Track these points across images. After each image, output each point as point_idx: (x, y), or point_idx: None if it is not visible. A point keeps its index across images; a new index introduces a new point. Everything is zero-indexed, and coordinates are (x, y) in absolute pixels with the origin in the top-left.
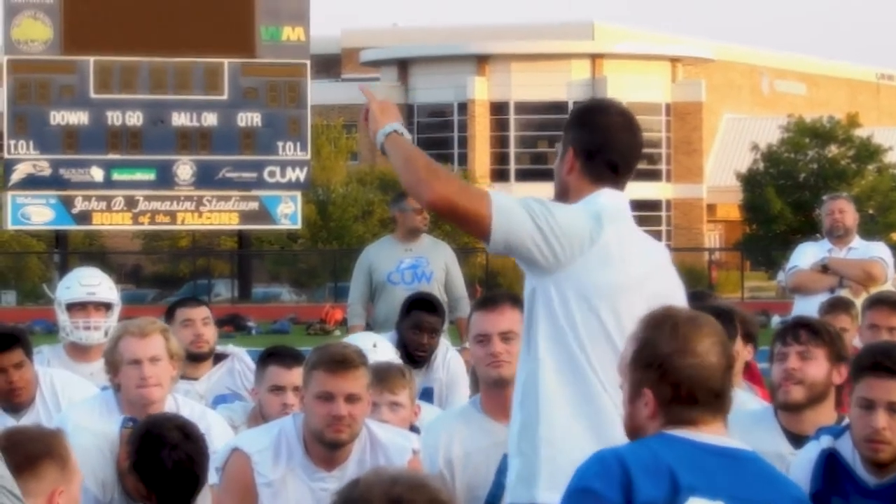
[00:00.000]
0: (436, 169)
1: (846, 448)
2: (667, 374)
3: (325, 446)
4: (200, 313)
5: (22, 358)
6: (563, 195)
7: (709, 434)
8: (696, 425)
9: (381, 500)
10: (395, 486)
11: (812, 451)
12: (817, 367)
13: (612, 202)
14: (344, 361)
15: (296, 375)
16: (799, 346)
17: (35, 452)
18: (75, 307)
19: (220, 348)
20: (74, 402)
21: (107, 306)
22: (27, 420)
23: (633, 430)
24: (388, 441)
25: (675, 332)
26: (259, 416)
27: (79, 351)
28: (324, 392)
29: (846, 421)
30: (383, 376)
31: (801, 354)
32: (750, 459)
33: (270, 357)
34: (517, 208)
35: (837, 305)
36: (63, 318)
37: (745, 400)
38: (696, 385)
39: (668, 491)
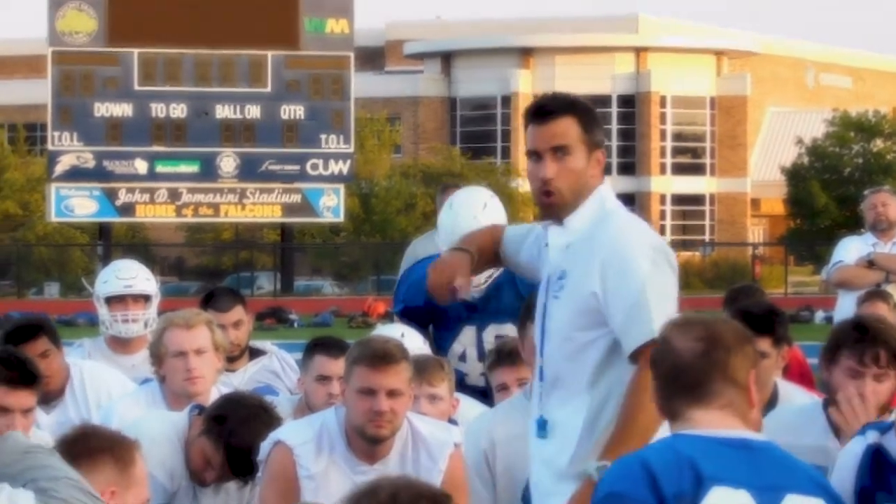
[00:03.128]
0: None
1: (893, 443)
2: (654, 366)
3: (367, 441)
4: (231, 317)
5: (47, 347)
6: (580, 195)
7: (714, 427)
8: (689, 421)
9: None
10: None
11: (857, 446)
12: (888, 387)
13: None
14: (385, 356)
15: (342, 365)
16: (878, 369)
17: (97, 446)
18: (113, 300)
19: (257, 344)
20: (111, 396)
21: (145, 298)
22: (57, 412)
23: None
24: (430, 435)
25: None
26: (305, 408)
27: (120, 343)
28: (365, 387)
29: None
30: (422, 369)
31: (878, 378)
32: (764, 448)
33: (317, 347)
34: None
35: (876, 295)
36: (102, 311)
37: (791, 392)
38: (663, 373)
39: (692, 482)
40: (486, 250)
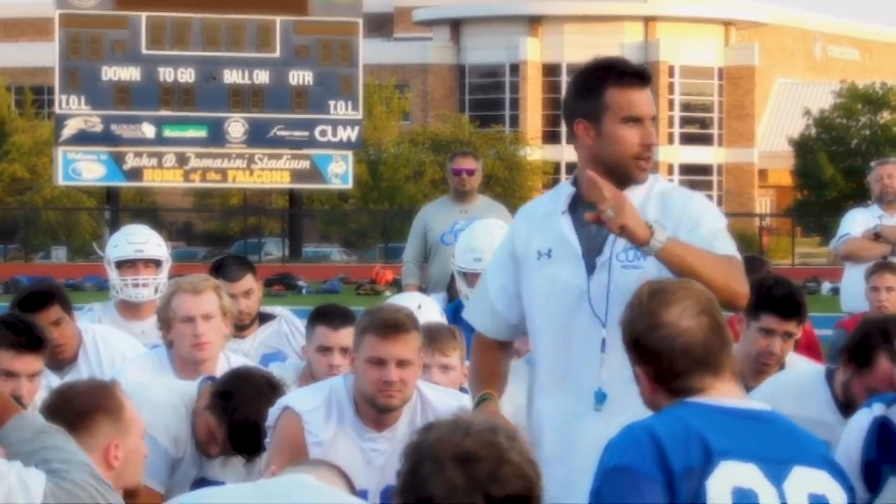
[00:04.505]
0: (726, 270)
1: None
2: (644, 351)
3: (377, 409)
4: (241, 287)
5: (60, 314)
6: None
7: (724, 397)
8: (702, 391)
9: (449, 453)
10: (466, 441)
11: (864, 418)
12: None
13: None
14: (396, 326)
15: (343, 336)
16: None
17: (86, 407)
18: (124, 265)
19: (267, 309)
20: (125, 358)
21: (156, 263)
22: (71, 377)
23: (650, 406)
24: (439, 402)
25: (641, 309)
26: (309, 376)
27: (129, 308)
28: (375, 357)
29: None
30: (434, 337)
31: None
32: (770, 419)
33: (318, 317)
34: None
35: (884, 266)
36: (113, 275)
37: (797, 362)
38: (674, 355)
39: (701, 456)
40: (497, 374)
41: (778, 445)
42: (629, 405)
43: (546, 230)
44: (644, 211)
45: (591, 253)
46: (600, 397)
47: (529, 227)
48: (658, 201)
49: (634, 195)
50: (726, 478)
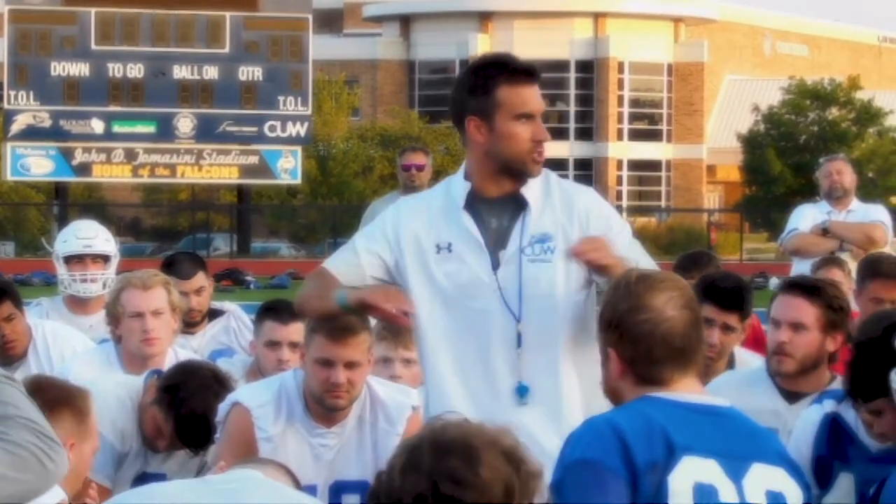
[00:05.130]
0: None
1: (849, 413)
2: (625, 332)
3: (324, 408)
4: (193, 285)
5: (12, 310)
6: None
7: (687, 392)
8: (669, 384)
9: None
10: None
11: (815, 414)
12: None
13: None
14: (345, 329)
15: (292, 331)
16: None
17: (55, 399)
18: (73, 260)
19: (216, 304)
20: (74, 353)
21: (104, 258)
22: (20, 373)
23: (610, 392)
24: (388, 398)
25: (628, 291)
26: (257, 371)
27: (78, 303)
28: (323, 358)
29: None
30: (397, 332)
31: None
32: (731, 415)
33: (267, 312)
34: None
35: (831, 262)
36: (61, 271)
37: (747, 359)
38: (654, 341)
39: (663, 451)
40: None
41: (737, 442)
42: (547, 397)
43: (445, 225)
44: (545, 202)
45: (494, 247)
46: (523, 391)
47: (427, 219)
48: (559, 195)
49: (531, 189)
50: (688, 473)
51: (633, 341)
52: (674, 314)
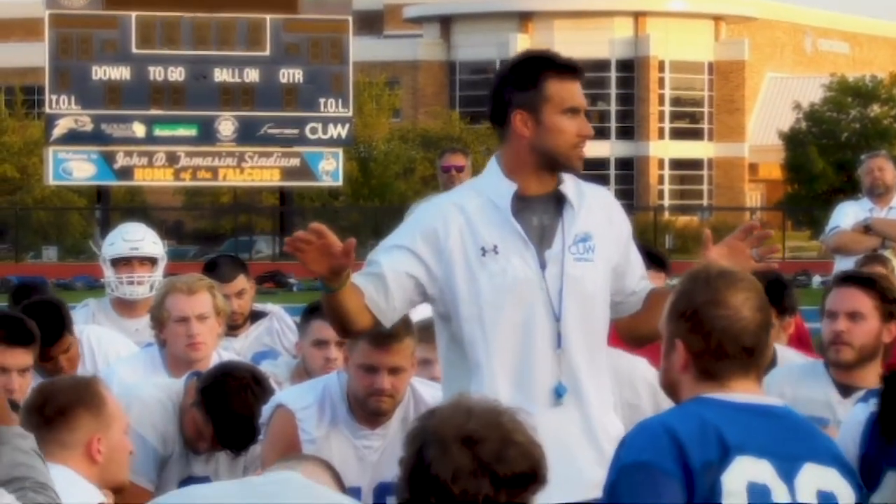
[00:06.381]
0: None
1: None
2: (698, 323)
3: (367, 412)
4: (234, 287)
5: (70, 340)
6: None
7: (743, 393)
8: (729, 383)
9: (453, 435)
10: (469, 422)
11: (861, 413)
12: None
13: None
14: (389, 336)
15: None
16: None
17: (66, 403)
18: (120, 262)
19: (259, 306)
20: (118, 357)
21: (151, 261)
22: None
23: (668, 384)
24: (432, 398)
25: (707, 284)
26: (303, 372)
27: (125, 306)
28: (367, 364)
29: None
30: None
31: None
32: (785, 415)
33: (315, 311)
34: None
35: (874, 259)
36: (108, 273)
37: (790, 357)
38: (727, 337)
39: (717, 451)
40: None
41: (790, 442)
42: (584, 399)
43: (487, 226)
44: (581, 202)
45: (540, 246)
46: (561, 391)
47: (466, 221)
48: (591, 196)
49: (568, 188)
50: (741, 473)
51: (706, 334)
52: (748, 315)
